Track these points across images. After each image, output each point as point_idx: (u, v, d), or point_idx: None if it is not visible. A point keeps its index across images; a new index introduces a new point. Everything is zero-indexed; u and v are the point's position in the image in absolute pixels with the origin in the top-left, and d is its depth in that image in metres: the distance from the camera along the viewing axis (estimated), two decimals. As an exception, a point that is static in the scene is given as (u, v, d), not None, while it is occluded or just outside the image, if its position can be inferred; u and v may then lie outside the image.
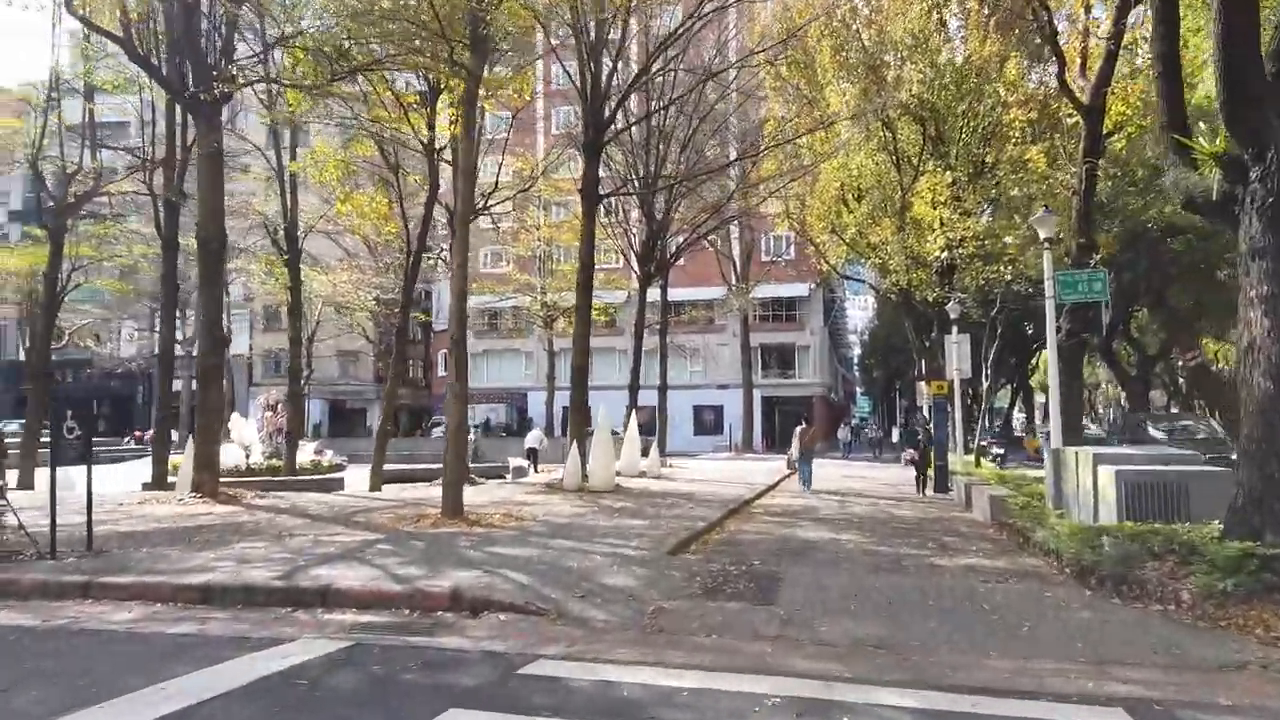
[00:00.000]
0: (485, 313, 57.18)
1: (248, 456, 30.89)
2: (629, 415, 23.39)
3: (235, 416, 34.18)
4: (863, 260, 30.83)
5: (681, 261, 51.29)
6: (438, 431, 52.00)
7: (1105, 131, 16.63)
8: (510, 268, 52.01)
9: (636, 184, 22.76)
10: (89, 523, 9.66)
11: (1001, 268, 22.16)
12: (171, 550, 9.56)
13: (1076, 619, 7.11)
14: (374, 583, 7.79)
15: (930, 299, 25.72)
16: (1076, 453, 10.61)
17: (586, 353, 18.41)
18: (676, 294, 44.49)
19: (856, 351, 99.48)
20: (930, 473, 19.58)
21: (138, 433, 55.01)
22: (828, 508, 16.28)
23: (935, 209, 22.82)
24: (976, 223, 22.53)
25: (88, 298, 61.19)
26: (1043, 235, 13.55)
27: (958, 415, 22.11)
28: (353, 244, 42.02)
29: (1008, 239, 22.54)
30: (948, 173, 22.97)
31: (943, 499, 18.36)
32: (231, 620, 7.10)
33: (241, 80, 13.85)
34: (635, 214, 26.84)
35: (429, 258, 33.15)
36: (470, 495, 15.57)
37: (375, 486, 20.07)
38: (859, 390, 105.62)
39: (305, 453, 33.28)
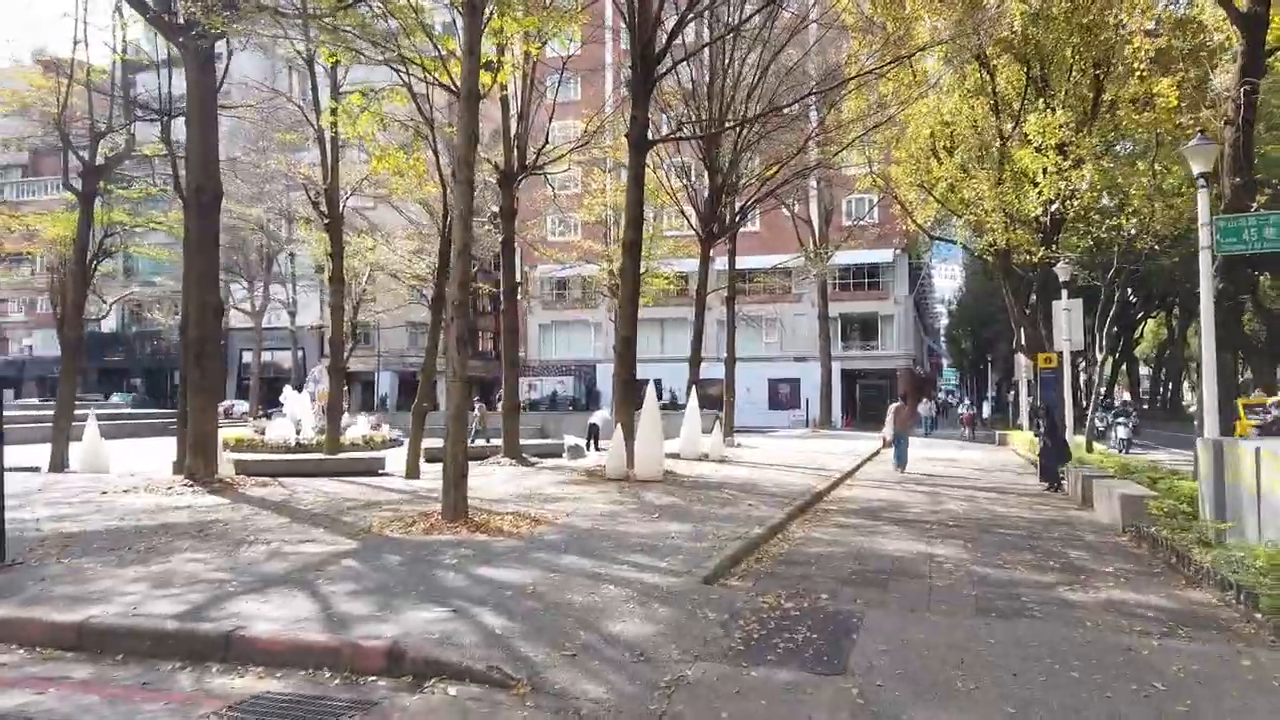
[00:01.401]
0: (551, 283, 55.48)
1: (298, 432, 29.78)
2: (689, 390, 21.13)
3: (288, 390, 33.12)
4: (955, 219, 27.73)
5: (755, 227, 49.01)
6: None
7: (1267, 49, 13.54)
8: (578, 236, 50.18)
9: (696, 128, 20.22)
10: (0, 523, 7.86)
11: (1124, 221, 19.03)
12: (97, 563, 7.74)
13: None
14: (296, 628, 5.76)
15: (1035, 260, 22.67)
16: (1258, 450, 7.96)
17: (634, 322, 16.16)
18: (750, 262, 41.92)
19: (944, 322, 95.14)
20: (1041, 460, 16.81)
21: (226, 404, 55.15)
22: (916, 502, 13.78)
23: (1043, 155, 19.78)
24: (1093, 170, 19.39)
25: (155, 270, 61.93)
26: (1197, 170, 10.73)
27: (1067, 391, 19.22)
28: (416, 212, 40.66)
29: (1129, 189, 19.36)
30: (1059, 111, 19.85)
31: (1047, 490, 15.63)
32: (84, 686, 5.15)
33: (227, 14, 11.93)
34: (696, 167, 24.22)
35: (481, 221, 31.21)
36: (495, 484, 13.60)
37: (411, 472, 18.23)
38: (945, 363, 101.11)
39: (360, 428, 32.10)
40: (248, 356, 58.16)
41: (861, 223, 44.30)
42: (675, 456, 19.99)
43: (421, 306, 49.05)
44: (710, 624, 6.06)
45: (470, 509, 10.15)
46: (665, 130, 20.90)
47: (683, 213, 23.96)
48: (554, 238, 50.97)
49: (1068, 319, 19.15)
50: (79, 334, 22.04)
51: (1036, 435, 16.55)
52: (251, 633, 5.66)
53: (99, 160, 21.85)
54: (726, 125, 19.43)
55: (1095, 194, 19.93)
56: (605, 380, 49.53)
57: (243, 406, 55.30)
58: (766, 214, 45.13)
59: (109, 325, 66.47)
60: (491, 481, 14.49)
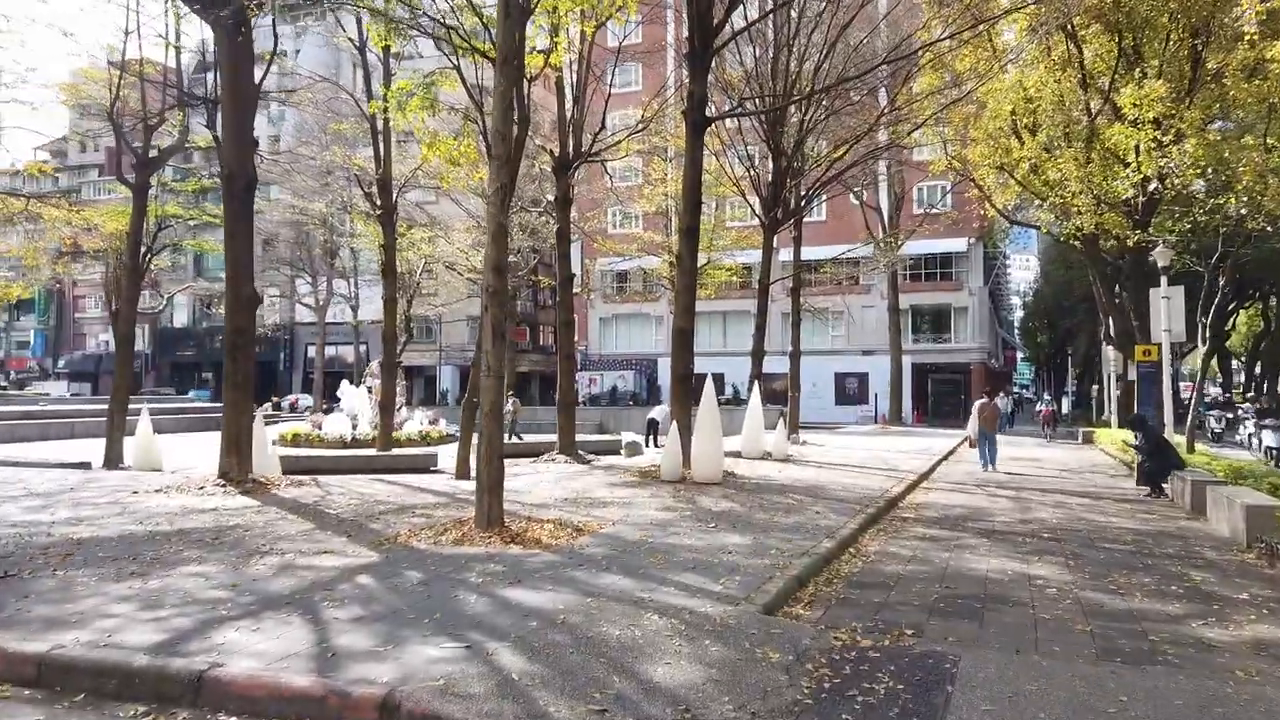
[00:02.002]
0: (612, 275, 54.66)
1: (354, 427, 29.49)
2: (751, 384, 20.02)
3: (345, 385, 32.95)
4: (1037, 203, 26.02)
5: (821, 216, 47.43)
6: (564, 400, 50.01)
7: None
8: (640, 229, 49.28)
9: (757, 103, 19.00)
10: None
11: (1232, 200, 17.32)
12: (92, 576, 7.02)
13: None
14: (280, 667, 4.89)
15: (1129, 243, 21.00)
16: None
17: (691, 313, 15.10)
18: (817, 251, 40.49)
19: (1018, 315, 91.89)
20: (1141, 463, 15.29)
21: (275, 399, 55.76)
22: (1002, 510, 12.48)
23: (1139, 129, 18.16)
24: (1195, 144, 17.68)
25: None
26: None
27: (1166, 387, 17.58)
28: (476, 205, 40.15)
29: (1237, 165, 17.61)
30: (1158, 81, 18.21)
31: (1148, 496, 14.14)
32: (21, 738, 4.35)
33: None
34: (759, 150, 22.97)
35: (536, 212, 30.54)
36: (542, 485, 12.72)
37: (461, 471, 17.37)
38: (1019, 357, 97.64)
39: (415, 423, 31.70)
40: (313, 351, 58.65)
41: (934, 210, 42.46)
42: (736, 455, 18.91)
43: (475, 298, 48.90)
44: (772, 668, 5.02)
45: (509, 515, 9.25)
46: (727, 110, 19.70)
47: (744, 198, 22.73)
48: (615, 229, 50.19)
49: (1167, 308, 17.49)
50: (132, 328, 21.80)
51: (1135, 447, 14.98)
52: (227, 673, 4.80)
53: (152, 152, 21.58)
54: (791, 99, 18.17)
55: (1197, 171, 18.20)
56: (666, 374, 48.48)
57: (308, 401, 55.78)
58: (833, 199, 43.57)
59: (180, 320, 67.86)
60: (540, 481, 13.62)
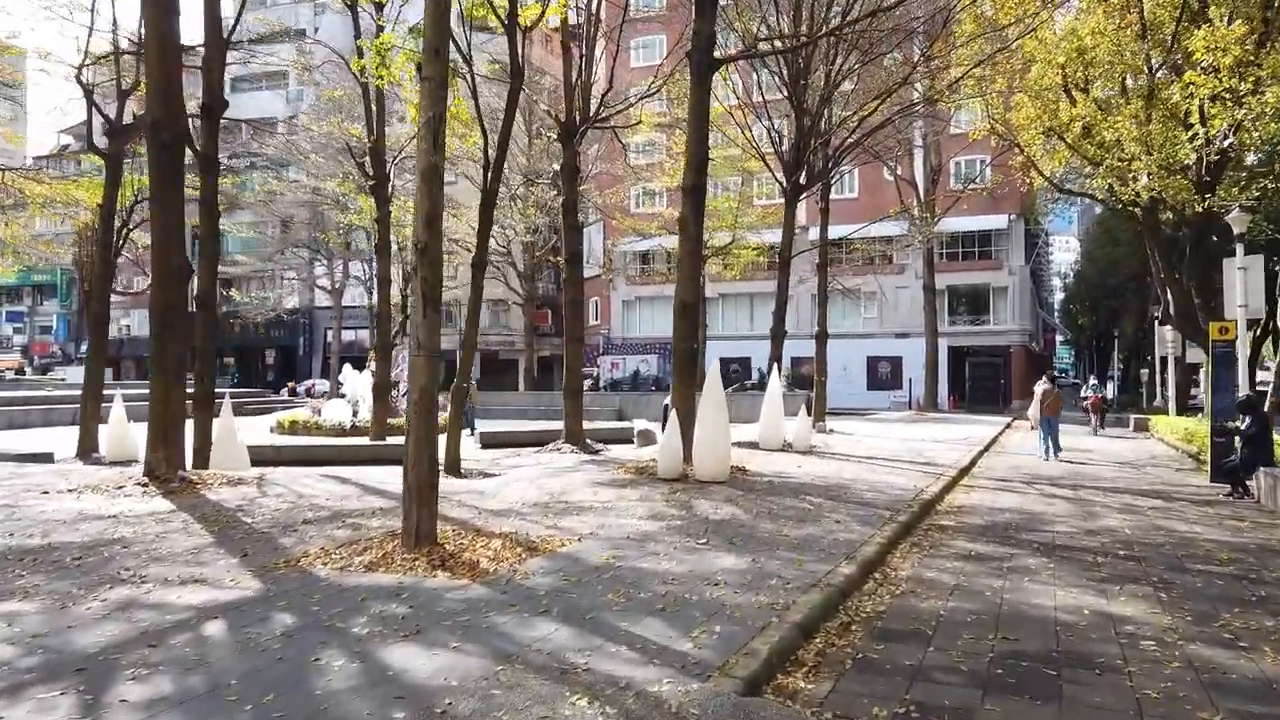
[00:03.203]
0: (635, 256, 52.77)
1: (355, 413, 27.97)
2: (770, 367, 18.11)
3: (347, 369, 31.41)
4: (1090, 169, 23.63)
5: (853, 193, 45.05)
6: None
7: None
8: (664, 206, 47.29)
9: (776, 44, 16.91)
10: None
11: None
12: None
13: None
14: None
15: (1195, 209, 18.73)
16: None
17: (696, 283, 13.22)
18: (847, 229, 38.25)
19: (1058, 297, 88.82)
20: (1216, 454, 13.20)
21: (291, 384, 54.58)
22: (1060, 514, 10.49)
23: (1214, 78, 15.91)
24: (1278, 95, 15.41)
25: (241, 248, 61.74)
26: None
27: (1242, 368, 15.37)
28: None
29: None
30: (1238, 23, 15.94)
31: (1228, 496, 12.07)
32: None
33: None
34: (780, 109, 20.86)
35: (544, 184, 28.75)
36: (519, 484, 10.96)
37: (451, 465, 15.43)
38: (1059, 340, 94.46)
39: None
40: (332, 335, 57.47)
41: (973, 185, 40.04)
42: (753, 446, 17.04)
43: (498, 282, 47.30)
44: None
45: (456, 527, 7.53)
46: (740, 52, 17.60)
47: (764, 161, 20.68)
48: (637, 209, 48.22)
49: (1244, 280, 15.27)
50: (105, 308, 20.33)
51: (1235, 431, 12.80)
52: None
53: (127, 119, 20.04)
54: (816, 35, 16.02)
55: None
56: (691, 358, 46.49)
57: (325, 386, 54.63)
58: (865, 173, 41.37)
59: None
60: (517, 479, 11.88)
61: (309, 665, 4.48)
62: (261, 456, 17.76)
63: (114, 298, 68.59)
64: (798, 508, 9.69)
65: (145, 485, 10.27)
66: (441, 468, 15.11)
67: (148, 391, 10.58)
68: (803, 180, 18.85)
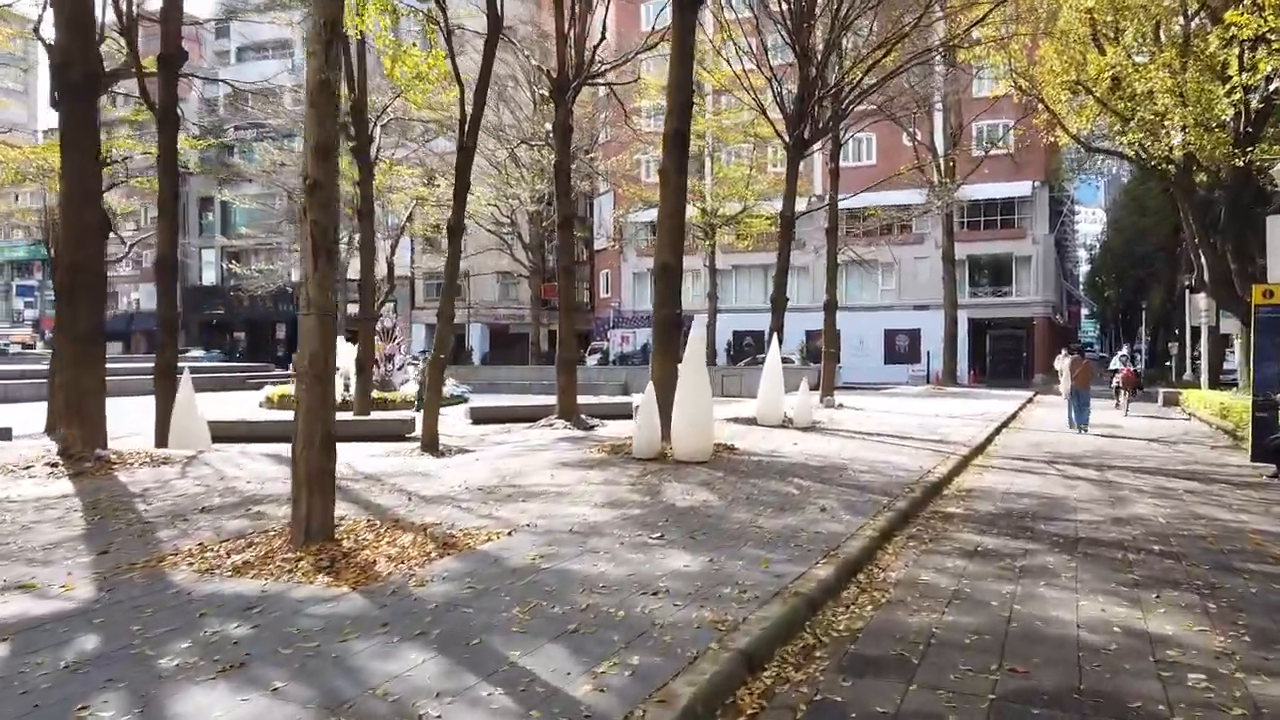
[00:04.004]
0: (646, 227, 51.30)
1: (347, 389, 27.02)
2: (770, 338, 16.87)
3: (341, 341, 30.43)
4: (1119, 126, 22.02)
5: (871, 158, 43.36)
6: (592, 360, 47.08)
7: None
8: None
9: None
10: None
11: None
12: None
13: None
14: None
15: (1236, 163, 17.27)
16: None
17: (679, 245, 11.90)
18: (868, 198, 36.68)
19: (1083, 269, 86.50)
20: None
21: (296, 356, 53.60)
22: (1084, 499, 9.22)
23: (1259, 16, 14.39)
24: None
25: (246, 220, 60.86)
26: None
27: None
28: (494, 149, 37.08)
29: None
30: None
31: (1274, 477, 10.74)
32: None
33: None
34: (784, 59, 19.35)
35: (536, 144, 27.48)
36: (476, 464, 9.82)
37: (429, 442, 14.22)
38: (1084, 313, 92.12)
39: (415, 383, 29.11)
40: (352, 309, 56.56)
41: (995, 149, 38.32)
42: (750, 422, 15.85)
43: (501, 253, 46.13)
44: None
45: (376, 516, 6.38)
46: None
47: (764, 113, 19.24)
48: (648, 178, 46.71)
49: (1291, 239, 13.84)
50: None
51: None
52: None
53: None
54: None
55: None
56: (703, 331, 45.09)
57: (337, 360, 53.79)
58: (883, 134, 39.71)
59: (209, 278, 66.31)
60: (476, 459, 10.77)
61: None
62: (233, 433, 16.80)
63: (124, 271, 67.79)
64: (781, 493, 8.49)
65: (55, 465, 9.22)
66: (419, 444, 14.15)
67: (109, 365, 9.58)
68: (806, 135, 17.43)
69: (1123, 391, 22.18)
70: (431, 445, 14.14)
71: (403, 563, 5.52)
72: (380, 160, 23.66)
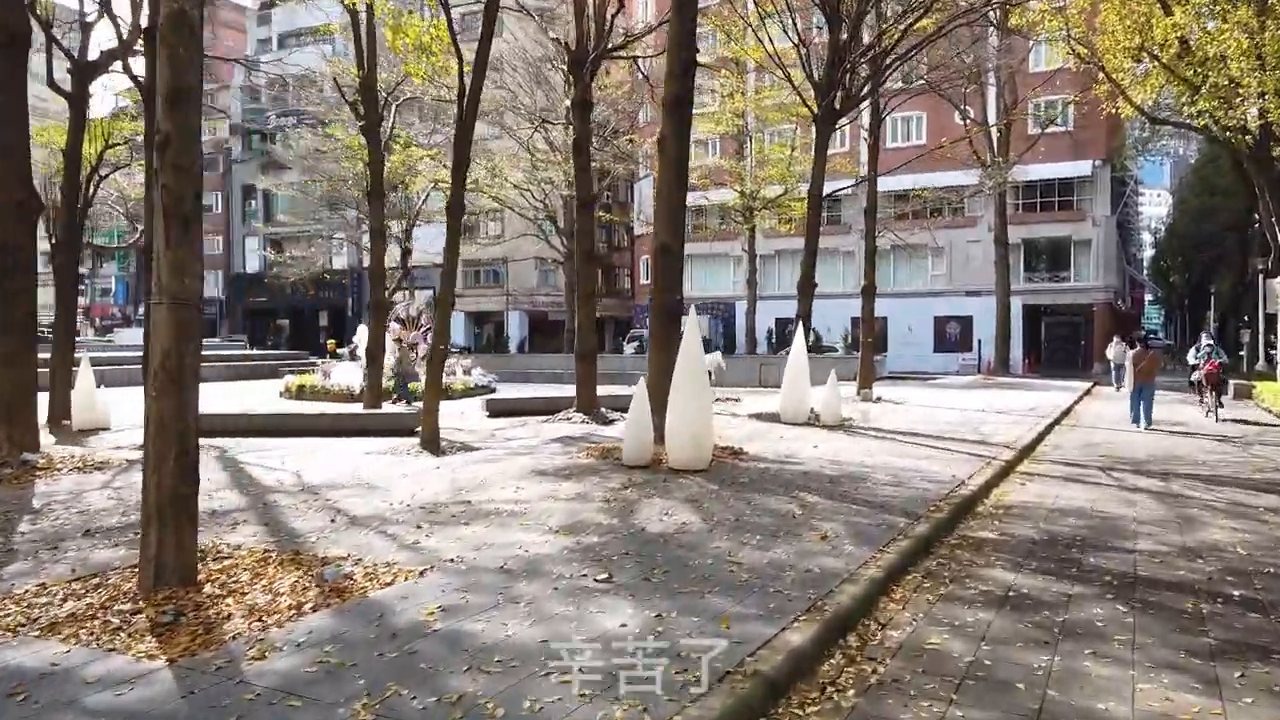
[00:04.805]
0: (690, 212, 49.84)
1: (365, 378, 26.26)
2: (796, 325, 15.51)
3: (360, 328, 29.66)
4: (1190, 94, 20.08)
5: (920, 137, 41.33)
6: (629, 349, 45.87)
7: None
8: (718, 157, 44.33)
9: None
10: None
11: None
12: None
13: None
14: None
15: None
16: None
17: (678, 224, 10.63)
18: (911, 180, 34.86)
19: (1148, 254, 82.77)
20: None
21: (333, 343, 53.33)
22: (1144, 520, 7.78)
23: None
24: None
25: (288, 207, 60.72)
26: None
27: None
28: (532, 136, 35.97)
29: None
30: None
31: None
32: None
33: None
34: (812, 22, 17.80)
35: (556, 120, 26.32)
36: (434, 472, 8.73)
37: (429, 440, 13.11)
38: (1147, 299, 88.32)
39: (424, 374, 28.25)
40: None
41: (1053, 127, 36.21)
42: (773, 419, 14.55)
43: (535, 238, 45.05)
44: None
45: (273, 546, 5.29)
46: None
47: (789, 80, 17.75)
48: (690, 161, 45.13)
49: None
50: (73, 262, 18.63)
51: None
52: None
53: (92, 55, 18.17)
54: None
55: None
56: (743, 320, 43.62)
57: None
58: (934, 112, 37.81)
59: (253, 265, 66.41)
60: (443, 464, 9.70)
61: None
62: (234, 426, 16.02)
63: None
64: (780, 513, 7.21)
65: (-20, 467, 8.33)
66: (420, 441, 13.12)
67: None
68: (837, 104, 15.92)
69: (1206, 389, 17.76)
70: (432, 443, 13.09)
71: (264, 618, 4.39)
72: (394, 142, 22.62)
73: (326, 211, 54.70)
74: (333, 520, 6.58)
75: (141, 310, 70.09)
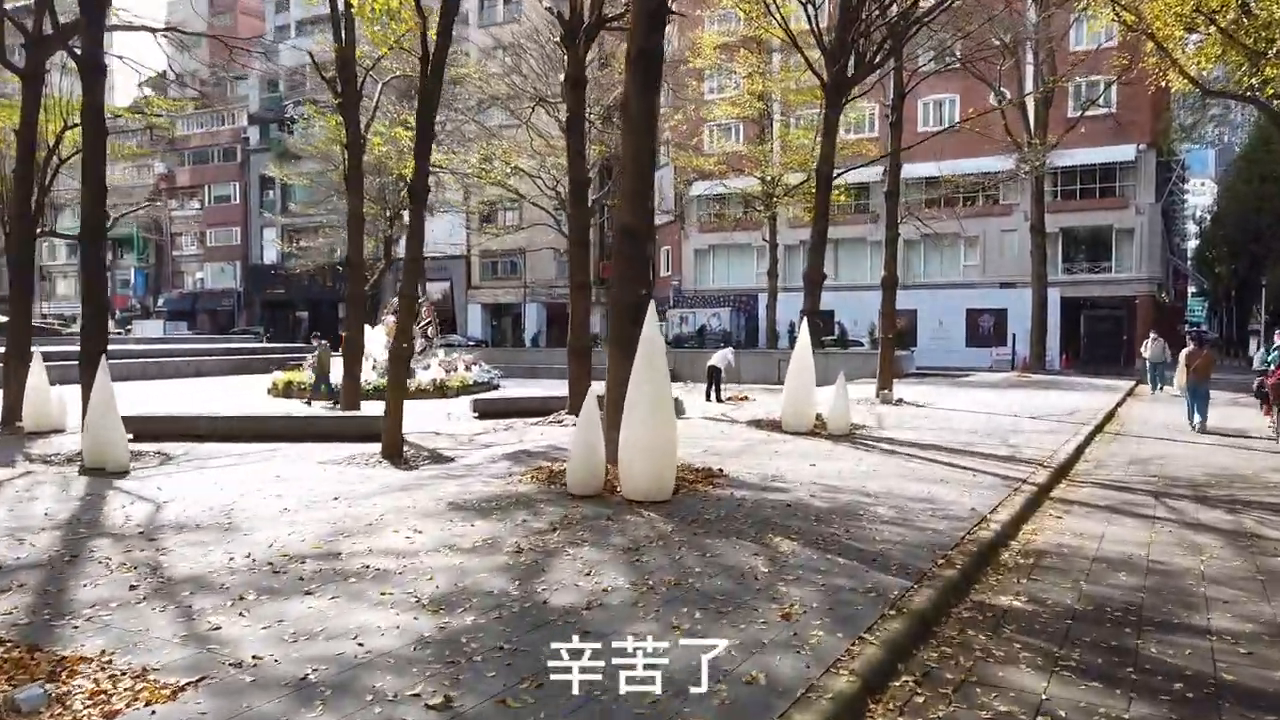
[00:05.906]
0: (709, 201, 48.02)
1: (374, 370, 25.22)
2: (802, 321, 13.81)
3: (368, 328, 28.35)
4: (1251, 64, 18.00)
5: (954, 119, 39.17)
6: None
7: None
8: (738, 143, 42.49)
9: None
10: None
11: None
12: None
13: None
14: None
15: None
16: None
17: (643, 203, 8.94)
18: (942, 166, 32.83)
19: (1192, 244, 79.51)
20: None
21: (342, 336, 52.05)
22: (1216, 578, 6.00)
23: None
24: None
25: (305, 197, 59.60)
26: None
27: None
28: (546, 124, 34.35)
29: None
30: None
31: None
32: None
33: None
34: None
35: (556, 100, 24.69)
36: (295, 514, 7.16)
37: (391, 447, 11.65)
38: (1190, 291, 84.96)
39: (434, 371, 26.84)
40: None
41: (1095, 108, 33.97)
42: (774, 427, 12.88)
43: (550, 229, 43.50)
44: None
45: (27, 628, 3.75)
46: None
47: (795, 47, 15.95)
48: (709, 148, 43.33)
49: None
50: (28, 251, 17.36)
51: None
52: None
53: (48, 29, 16.85)
54: None
55: None
56: (764, 312, 41.77)
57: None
58: (968, 95, 35.62)
59: (270, 256, 65.50)
60: (420, 478, 8.12)
61: None
62: (194, 429, 14.81)
63: (191, 252, 67.79)
64: (740, 570, 5.54)
65: None
66: (380, 450, 11.64)
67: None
68: (849, 72, 14.11)
69: (1273, 404, 14.09)
70: (395, 452, 11.61)
71: None
72: (377, 119, 21.11)
73: (341, 201, 53.41)
74: (133, 587, 5.01)
75: (161, 301, 69.86)
